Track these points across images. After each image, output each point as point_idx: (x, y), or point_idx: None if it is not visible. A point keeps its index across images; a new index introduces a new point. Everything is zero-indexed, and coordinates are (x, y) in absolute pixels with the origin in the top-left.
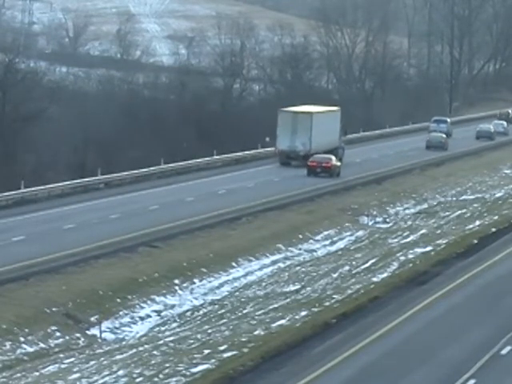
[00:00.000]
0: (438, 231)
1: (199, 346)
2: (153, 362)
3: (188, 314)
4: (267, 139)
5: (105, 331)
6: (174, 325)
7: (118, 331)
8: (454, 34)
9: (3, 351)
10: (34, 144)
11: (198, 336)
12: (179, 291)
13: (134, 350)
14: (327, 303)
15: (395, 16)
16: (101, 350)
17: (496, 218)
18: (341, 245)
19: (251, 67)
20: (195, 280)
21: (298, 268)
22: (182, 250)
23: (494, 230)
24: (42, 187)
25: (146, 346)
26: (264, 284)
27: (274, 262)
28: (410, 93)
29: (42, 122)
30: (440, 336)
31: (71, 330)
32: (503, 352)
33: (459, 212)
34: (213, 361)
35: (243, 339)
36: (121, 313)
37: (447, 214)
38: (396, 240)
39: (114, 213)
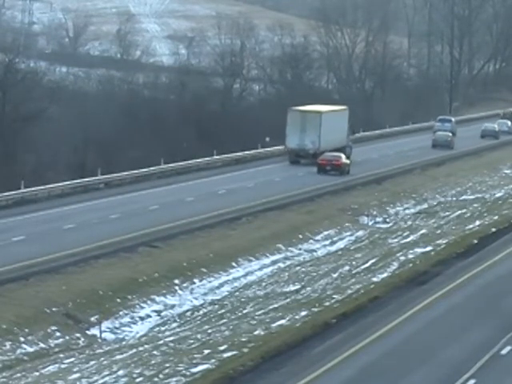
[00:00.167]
0: (438, 231)
1: (199, 345)
2: (153, 361)
3: (188, 314)
4: (267, 139)
5: (105, 331)
6: (174, 325)
7: (118, 331)
8: (454, 34)
9: (3, 351)
10: (34, 144)
11: (198, 336)
12: (179, 291)
13: (134, 350)
14: (327, 303)
15: (395, 16)
16: (101, 350)
17: (496, 217)
18: (341, 245)
19: (251, 67)
20: (195, 280)
21: (298, 268)
22: (182, 249)
23: (494, 229)
24: (42, 187)
25: (146, 346)
26: (264, 284)
27: (273, 262)
28: (409, 93)
29: (42, 122)
30: (440, 336)
31: (71, 329)
32: (503, 352)
33: (459, 212)
34: (213, 361)
35: (243, 339)
36: (121, 313)
37: (447, 213)
38: (396, 240)
39: (114, 213)
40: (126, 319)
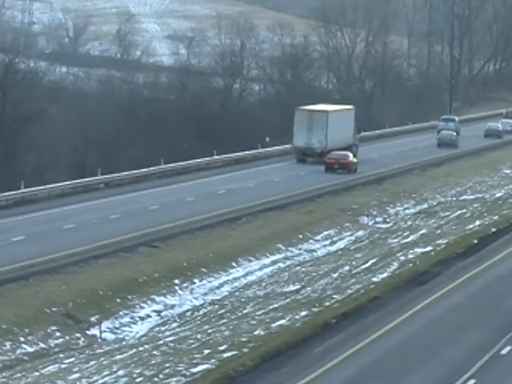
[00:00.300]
0: (438, 231)
1: (199, 345)
2: (153, 361)
3: (188, 313)
4: (267, 139)
5: (105, 331)
6: (174, 325)
7: (118, 331)
8: (454, 34)
9: (3, 351)
10: (34, 144)
11: (198, 336)
12: (179, 291)
13: (134, 350)
14: (327, 303)
15: (395, 16)
16: (101, 350)
17: (496, 217)
18: (341, 245)
19: (251, 67)
20: (195, 280)
21: (298, 268)
22: (182, 249)
23: (493, 229)
24: (42, 187)
25: (146, 346)
26: (264, 284)
27: (274, 262)
28: (409, 93)
29: (42, 122)
30: (440, 336)
31: (71, 329)
32: (503, 352)
33: (459, 212)
34: (213, 361)
35: (243, 339)
36: (121, 313)
37: (447, 213)
38: (396, 240)
39: (114, 213)
40: (126, 319)
